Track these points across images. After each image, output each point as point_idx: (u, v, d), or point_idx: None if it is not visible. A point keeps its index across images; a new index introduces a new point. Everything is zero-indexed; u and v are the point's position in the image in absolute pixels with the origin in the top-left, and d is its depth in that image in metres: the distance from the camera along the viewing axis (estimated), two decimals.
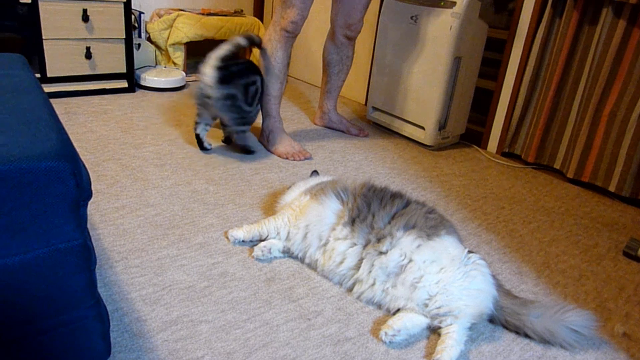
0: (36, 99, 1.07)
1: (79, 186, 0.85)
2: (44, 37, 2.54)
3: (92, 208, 1.64)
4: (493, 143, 2.60)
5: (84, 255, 0.91)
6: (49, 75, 2.63)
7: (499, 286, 1.32)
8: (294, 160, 2.25)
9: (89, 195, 0.92)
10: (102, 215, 1.63)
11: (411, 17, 2.44)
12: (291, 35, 2.18)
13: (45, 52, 2.57)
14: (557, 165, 2.37)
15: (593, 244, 1.79)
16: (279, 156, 2.26)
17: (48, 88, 2.62)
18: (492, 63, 2.61)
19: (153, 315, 1.22)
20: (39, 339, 0.94)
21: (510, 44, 2.43)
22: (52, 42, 2.57)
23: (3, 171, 0.77)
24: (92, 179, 1.50)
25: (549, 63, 2.31)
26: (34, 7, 2.46)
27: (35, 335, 0.93)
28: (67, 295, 0.93)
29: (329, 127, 2.71)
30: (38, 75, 2.56)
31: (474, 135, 2.70)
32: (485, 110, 2.62)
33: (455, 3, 2.26)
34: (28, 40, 2.54)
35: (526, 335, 1.28)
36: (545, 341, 1.26)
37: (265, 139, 2.33)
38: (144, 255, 1.44)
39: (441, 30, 2.32)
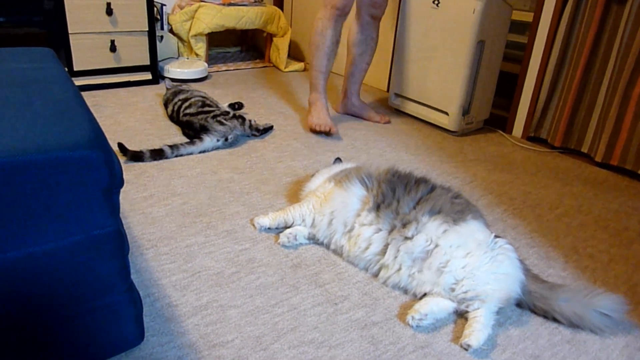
0: (67, 90, 1.10)
1: (111, 174, 0.88)
2: (70, 32, 2.59)
3: (122, 197, 1.68)
4: (518, 127, 2.56)
5: (118, 242, 0.94)
6: (75, 69, 2.68)
7: (527, 270, 1.32)
8: (317, 130, 2.35)
9: (121, 183, 0.95)
10: (131, 204, 1.66)
11: (433, 1, 2.41)
12: (341, 12, 2.29)
13: (71, 46, 2.62)
14: (584, 149, 2.32)
15: (623, 227, 1.76)
16: (309, 127, 2.38)
17: (75, 81, 2.67)
18: (517, 46, 2.57)
19: (184, 300, 1.25)
20: (76, 323, 0.97)
21: (536, 26, 2.38)
22: (78, 36, 2.62)
23: (39, 160, 0.80)
24: None
25: (575, 44, 2.26)
26: (59, 2, 2.50)
27: (73, 318, 0.96)
28: (102, 280, 0.96)
29: (350, 114, 2.71)
30: (65, 69, 2.61)
31: (498, 120, 2.67)
32: (510, 95, 2.58)
33: None
34: (54, 35, 2.59)
35: (554, 320, 1.27)
36: (574, 325, 1.25)
37: (308, 111, 2.47)
38: (173, 243, 1.48)
39: (464, 14, 2.29)
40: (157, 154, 1.97)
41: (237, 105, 2.58)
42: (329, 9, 2.29)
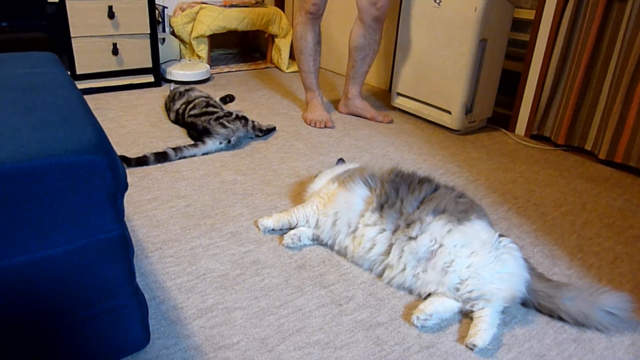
0: (70, 95, 1.10)
1: (115, 178, 0.88)
2: (72, 35, 2.59)
3: (126, 200, 1.68)
4: (521, 126, 2.56)
5: (123, 245, 0.94)
6: (78, 72, 2.69)
7: (531, 269, 1.31)
8: (315, 127, 2.50)
9: (125, 187, 0.95)
10: (135, 207, 1.67)
11: (435, 0, 2.40)
12: (315, 16, 2.42)
13: (74, 49, 2.63)
14: (588, 147, 2.32)
15: (627, 225, 1.75)
16: (305, 122, 2.56)
17: (78, 85, 2.67)
18: (519, 44, 2.56)
19: (189, 302, 1.25)
20: (82, 326, 0.98)
21: (537, 23, 2.37)
22: (80, 40, 2.63)
23: (44, 165, 0.80)
24: None
25: (577, 42, 2.25)
26: (61, 6, 2.51)
27: (79, 322, 0.97)
28: (107, 284, 0.96)
29: (353, 114, 2.71)
30: (68, 73, 2.62)
31: (501, 119, 2.66)
32: (513, 93, 2.58)
33: None
34: (57, 39, 2.60)
35: (560, 318, 1.27)
36: (579, 324, 1.25)
37: (306, 108, 2.65)
38: (177, 245, 1.48)
39: (466, 12, 2.28)
40: (161, 157, 1.98)
41: (228, 99, 2.55)
42: (303, 14, 2.42)
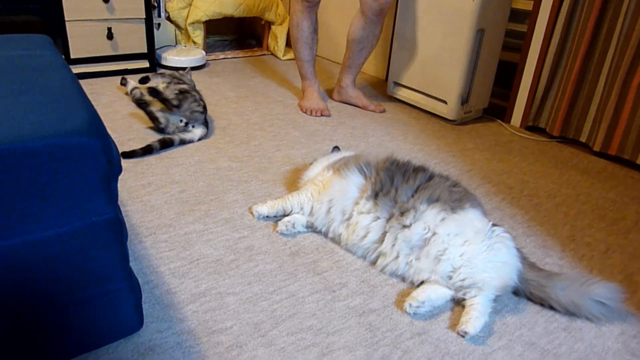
0: (64, 77, 1.09)
1: (109, 161, 0.88)
2: (66, 19, 2.56)
3: (120, 185, 1.67)
4: (517, 117, 2.56)
5: (116, 229, 0.94)
6: (72, 56, 2.66)
7: (524, 259, 1.32)
8: (310, 115, 2.49)
9: (119, 170, 0.94)
10: (129, 192, 1.66)
11: None
12: (311, 4, 2.40)
13: (68, 33, 2.60)
14: (583, 139, 2.32)
15: (620, 217, 1.76)
16: (301, 110, 2.55)
17: (72, 69, 2.65)
18: (517, 35, 2.56)
19: (182, 287, 1.25)
20: (76, 310, 0.98)
21: (535, 14, 2.37)
22: (75, 24, 2.60)
23: (37, 147, 0.80)
24: None
25: (575, 33, 2.25)
26: None
27: (72, 306, 0.97)
28: (101, 267, 0.96)
29: (346, 103, 2.70)
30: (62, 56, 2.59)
31: (497, 109, 2.66)
32: (509, 84, 2.58)
33: None
34: (51, 22, 2.57)
35: (551, 308, 1.28)
36: (570, 313, 1.26)
37: (302, 97, 2.64)
38: (171, 231, 1.48)
39: (464, 2, 2.27)
40: (165, 144, 1.97)
41: (144, 80, 2.46)
42: (300, 2, 2.39)
